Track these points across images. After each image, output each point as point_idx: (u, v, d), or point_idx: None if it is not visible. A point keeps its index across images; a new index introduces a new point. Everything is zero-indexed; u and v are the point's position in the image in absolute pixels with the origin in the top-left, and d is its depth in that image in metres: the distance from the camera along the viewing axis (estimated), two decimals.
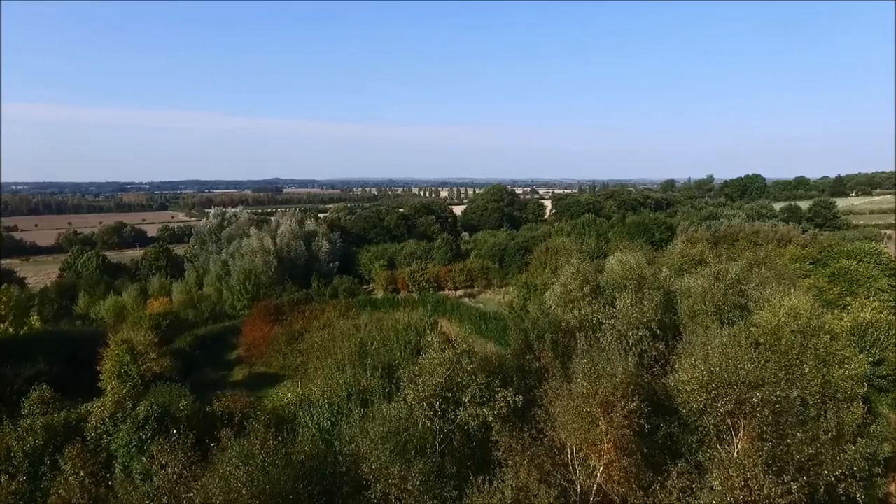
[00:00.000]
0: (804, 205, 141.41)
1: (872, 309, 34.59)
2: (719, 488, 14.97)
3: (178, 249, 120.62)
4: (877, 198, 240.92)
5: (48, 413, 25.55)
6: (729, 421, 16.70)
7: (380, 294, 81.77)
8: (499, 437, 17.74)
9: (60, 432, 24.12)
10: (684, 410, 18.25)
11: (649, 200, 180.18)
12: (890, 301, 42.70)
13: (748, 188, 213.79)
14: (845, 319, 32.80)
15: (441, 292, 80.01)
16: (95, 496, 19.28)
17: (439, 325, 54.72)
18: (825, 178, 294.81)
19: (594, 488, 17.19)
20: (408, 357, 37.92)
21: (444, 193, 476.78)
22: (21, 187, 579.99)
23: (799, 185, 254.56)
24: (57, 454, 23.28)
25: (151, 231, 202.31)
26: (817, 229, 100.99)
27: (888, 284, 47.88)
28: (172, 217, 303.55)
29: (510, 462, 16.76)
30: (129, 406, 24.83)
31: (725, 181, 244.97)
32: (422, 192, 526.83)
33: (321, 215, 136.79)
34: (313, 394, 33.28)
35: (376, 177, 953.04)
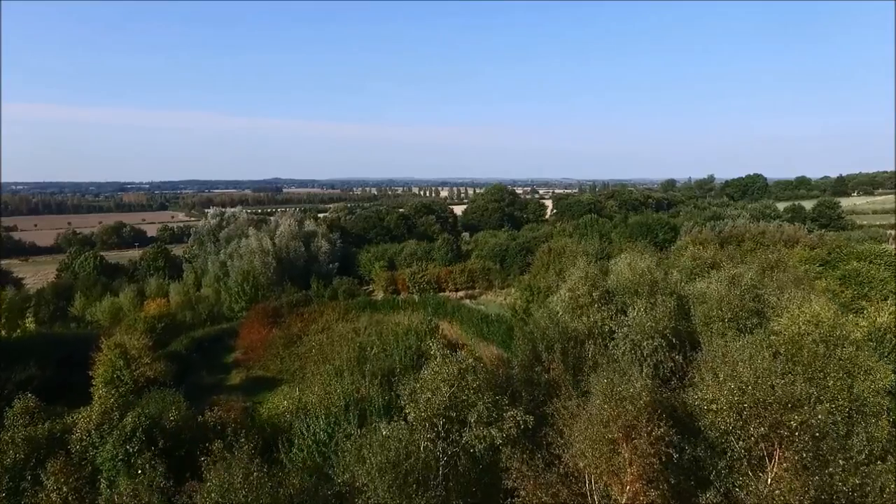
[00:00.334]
0: (807, 205, 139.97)
1: (889, 313, 33.31)
2: None
3: (178, 250, 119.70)
4: (879, 198, 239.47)
5: (31, 424, 24.38)
6: (762, 445, 15.13)
7: (380, 295, 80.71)
8: (509, 462, 16.36)
9: (43, 445, 22.96)
10: (712, 432, 16.66)
11: (650, 200, 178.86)
12: None
13: (749, 188, 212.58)
14: (861, 324, 31.52)
15: (442, 293, 78.98)
16: None
17: (440, 328, 53.54)
18: (826, 177, 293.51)
19: None
20: (408, 363, 36.82)
21: (444, 193, 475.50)
22: (21, 187, 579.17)
23: (800, 185, 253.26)
24: (39, 468, 22.13)
25: (151, 231, 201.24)
26: (822, 230, 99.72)
27: None
28: (172, 217, 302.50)
29: (522, 491, 15.42)
30: (116, 417, 23.65)
31: (726, 181, 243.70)
32: (422, 192, 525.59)
33: (321, 215, 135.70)
34: (310, 402, 32.18)
35: (376, 177, 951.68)
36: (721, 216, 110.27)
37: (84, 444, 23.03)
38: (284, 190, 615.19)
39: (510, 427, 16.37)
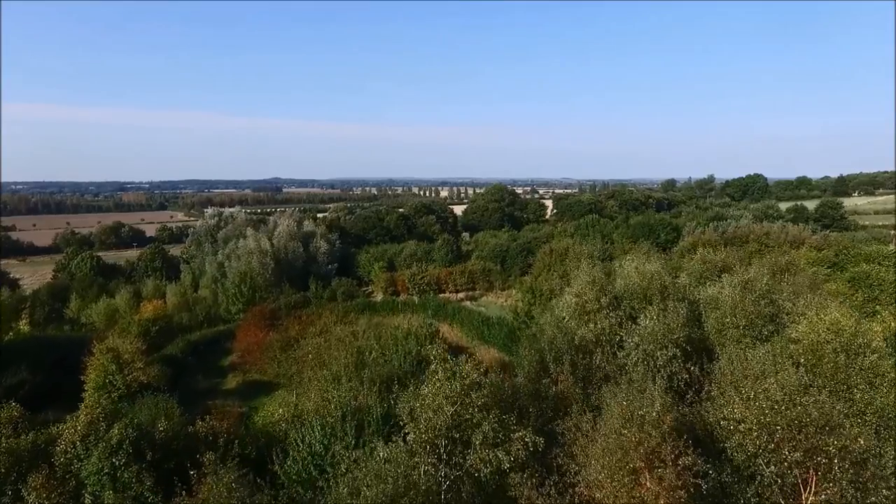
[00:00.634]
0: (810, 205, 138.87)
1: None
2: None
3: (176, 250, 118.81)
4: (880, 198, 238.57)
5: (14, 435, 23.32)
6: (796, 472, 13.75)
7: (379, 297, 79.66)
8: (518, 490, 15.00)
9: (26, 457, 21.92)
10: (738, 454, 15.24)
11: (651, 200, 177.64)
12: None
13: (750, 188, 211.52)
14: (877, 330, 30.45)
15: (442, 295, 77.96)
16: None
17: (440, 332, 52.50)
18: (826, 178, 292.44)
19: None
20: (408, 369, 35.78)
21: (444, 193, 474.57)
22: (20, 187, 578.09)
23: (801, 185, 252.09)
24: (20, 483, 21.09)
25: (150, 231, 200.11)
26: (826, 230, 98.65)
27: None
28: (171, 217, 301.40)
29: None
30: (103, 427, 22.61)
31: (727, 181, 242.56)
32: (422, 192, 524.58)
33: (320, 215, 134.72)
34: (307, 409, 31.15)
35: (376, 177, 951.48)
36: (724, 216, 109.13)
37: (68, 456, 21.95)
38: (284, 190, 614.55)
39: (518, 449, 15.08)
